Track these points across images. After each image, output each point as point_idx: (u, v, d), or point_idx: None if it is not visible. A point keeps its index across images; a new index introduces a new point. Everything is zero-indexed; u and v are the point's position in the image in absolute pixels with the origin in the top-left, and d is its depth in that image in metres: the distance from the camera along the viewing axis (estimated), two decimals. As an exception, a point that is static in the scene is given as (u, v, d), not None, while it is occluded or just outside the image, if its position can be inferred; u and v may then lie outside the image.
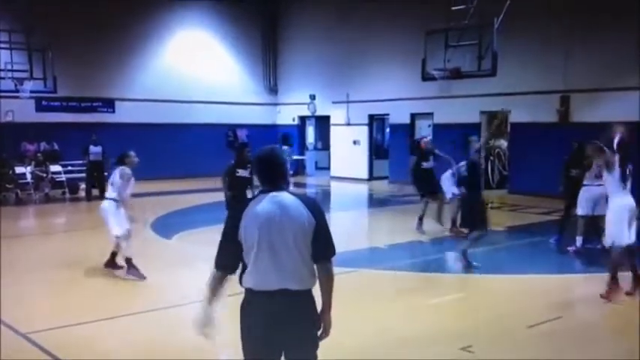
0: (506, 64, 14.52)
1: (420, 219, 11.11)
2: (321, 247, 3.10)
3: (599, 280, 7.61)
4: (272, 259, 3.02)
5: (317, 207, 3.13)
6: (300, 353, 3.13)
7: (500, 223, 12.21)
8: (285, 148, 12.94)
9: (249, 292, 3.09)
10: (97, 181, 16.31)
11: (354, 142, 21.87)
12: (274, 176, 3.14)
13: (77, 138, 17.33)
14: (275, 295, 3.01)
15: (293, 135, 14.34)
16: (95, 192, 16.23)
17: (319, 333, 3.22)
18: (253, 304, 3.08)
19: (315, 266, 3.12)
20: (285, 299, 3.02)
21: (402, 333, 5.90)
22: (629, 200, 7.01)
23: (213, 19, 23.14)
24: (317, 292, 3.21)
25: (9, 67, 16.82)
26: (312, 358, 3.18)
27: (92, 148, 16.18)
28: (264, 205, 3.05)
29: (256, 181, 3.26)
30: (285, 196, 3.08)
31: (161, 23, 21.81)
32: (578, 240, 9.23)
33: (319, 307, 3.21)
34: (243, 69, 24.18)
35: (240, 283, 3.13)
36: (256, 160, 3.19)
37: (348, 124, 22.01)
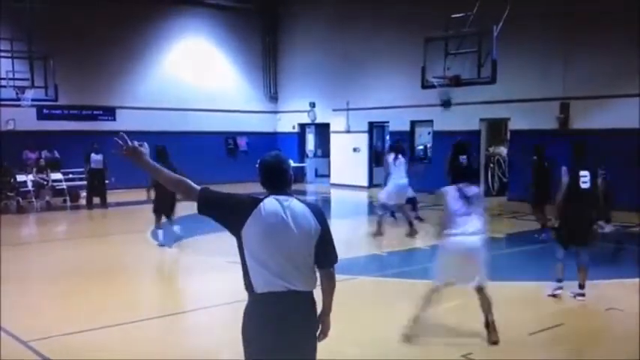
0: (505, 71, 14.55)
1: None
2: (326, 254, 3.20)
3: (601, 288, 7.63)
4: (280, 261, 3.08)
5: (322, 215, 3.22)
6: (304, 353, 3.19)
7: (500, 230, 12.23)
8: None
9: (256, 295, 3.12)
10: (98, 189, 16.33)
11: (354, 150, 21.89)
12: (282, 181, 3.21)
13: (78, 146, 17.38)
14: (282, 296, 3.07)
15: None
16: (96, 200, 16.27)
17: (318, 334, 3.29)
18: (261, 306, 3.12)
19: (317, 271, 3.21)
20: (291, 300, 3.09)
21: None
22: (467, 239, 5.62)
23: (214, 28, 23.23)
24: (317, 296, 3.23)
25: (10, 75, 16.85)
26: (314, 358, 3.24)
27: (93, 156, 16.20)
28: (275, 208, 3.10)
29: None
30: (294, 202, 3.16)
31: (161, 32, 21.89)
32: None
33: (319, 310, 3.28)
34: (243, 77, 24.24)
35: (250, 288, 3.13)
36: (263, 166, 3.25)
37: (348, 132, 22.04)
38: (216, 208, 3.18)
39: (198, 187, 3.20)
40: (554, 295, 7.26)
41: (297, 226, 3.10)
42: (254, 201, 3.12)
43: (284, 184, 3.21)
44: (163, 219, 10.86)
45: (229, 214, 3.13)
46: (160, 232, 10.81)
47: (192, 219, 12.30)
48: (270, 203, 3.11)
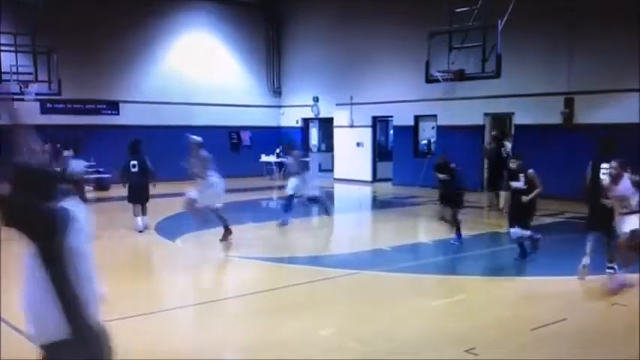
0: (510, 66, 14.48)
1: None
2: None
3: (603, 283, 7.61)
4: (95, 277, 2.77)
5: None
6: None
7: (503, 225, 12.17)
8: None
9: (87, 327, 2.73)
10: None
11: (358, 144, 21.86)
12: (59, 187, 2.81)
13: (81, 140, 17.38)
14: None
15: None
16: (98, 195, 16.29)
17: None
18: (99, 338, 2.80)
19: None
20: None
21: (406, 335, 5.90)
22: None
23: (217, 22, 23.21)
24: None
25: (14, 69, 16.90)
26: None
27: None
28: (81, 218, 2.72)
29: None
30: (81, 205, 2.82)
31: (165, 26, 21.88)
32: None
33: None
34: (246, 71, 24.23)
35: (81, 321, 2.74)
36: (46, 176, 2.78)
37: (352, 126, 22.01)
38: (31, 218, 2.64)
39: None
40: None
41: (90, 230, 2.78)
42: (66, 212, 2.67)
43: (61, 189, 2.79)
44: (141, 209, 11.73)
45: (48, 228, 2.63)
46: (139, 219, 11.60)
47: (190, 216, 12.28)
48: (78, 211, 2.71)
